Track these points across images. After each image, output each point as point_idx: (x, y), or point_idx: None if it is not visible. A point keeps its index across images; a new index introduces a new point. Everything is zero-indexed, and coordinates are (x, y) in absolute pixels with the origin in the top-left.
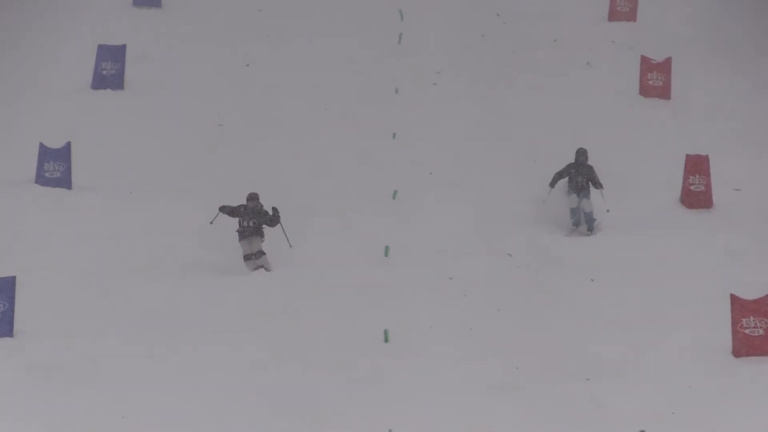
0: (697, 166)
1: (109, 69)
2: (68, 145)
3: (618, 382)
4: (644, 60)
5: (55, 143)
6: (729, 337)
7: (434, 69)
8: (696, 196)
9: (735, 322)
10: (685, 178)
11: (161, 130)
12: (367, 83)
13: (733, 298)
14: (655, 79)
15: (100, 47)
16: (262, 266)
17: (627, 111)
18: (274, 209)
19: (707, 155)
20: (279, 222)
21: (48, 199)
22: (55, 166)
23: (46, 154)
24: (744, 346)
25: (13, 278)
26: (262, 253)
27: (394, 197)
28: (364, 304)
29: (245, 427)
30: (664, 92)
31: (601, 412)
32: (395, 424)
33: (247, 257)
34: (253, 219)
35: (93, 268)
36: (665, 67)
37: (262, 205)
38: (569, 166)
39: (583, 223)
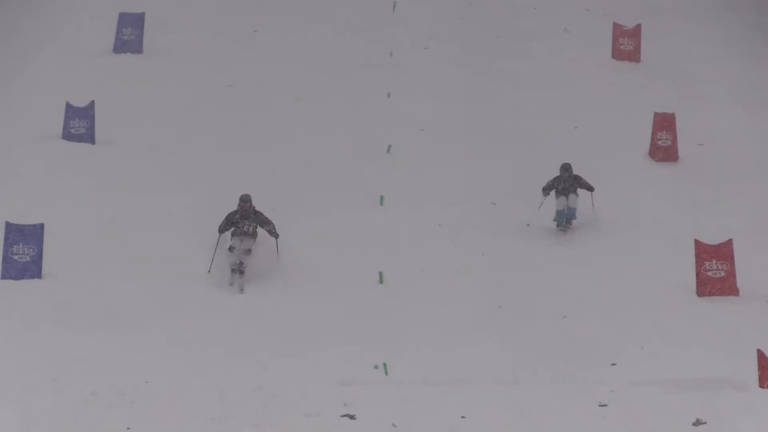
0: (664, 123)
1: (129, 35)
2: (92, 104)
3: (591, 320)
4: (616, 26)
5: (80, 102)
6: (693, 279)
7: (425, 35)
8: (663, 150)
9: (698, 265)
10: (654, 134)
11: (177, 91)
12: (363, 47)
13: (697, 243)
14: (626, 44)
15: (121, 15)
16: (242, 262)
17: (600, 72)
18: (270, 222)
19: (673, 113)
20: (277, 234)
21: (73, 154)
22: (79, 123)
23: (71, 111)
24: (706, 287)
25: (42, 225)
26: (249, 251)
27: (388, 151)
28: (360, 249)
29: (255, 351)
30: (634, 56)
31: (574, 347)
32: (389, 356)
33: (231, 248)
34: (252, 224)
35: (114, 217)
36: (635, 32)
37: (254, 207)
38: (555, 179)
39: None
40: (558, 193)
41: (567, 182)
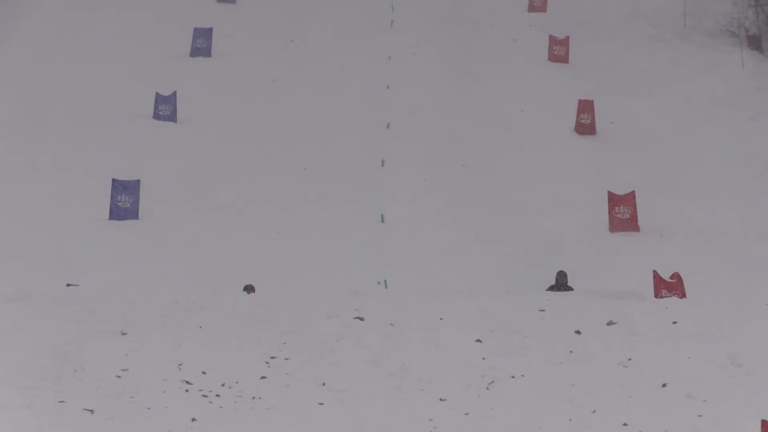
0: (586, 107)
1: (202, 43)
2: (174, 93)
3: (532, 252)
4: (551, 37)
5: (166, 92)
6: (606, 219)
7: (414, 43)
8: (585, 126)
9: (610, 209)
10: (578, 115)
11: (239, 82)
12: (367, 53)
13: (609, 194)
14: (559, 50)
15: (196, 29)
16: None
17: (539, 70)
18: None
19: (593, 100)
20: None
21: (160, 130)
22: (166, 107)
23: (160, 99)
24: (616, 225)
25: (138, 181)
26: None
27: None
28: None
29: (268, 274)
30: (564, 58)
31: (523, 269)
32: (387, 274)
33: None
34: None
35: (190, 175)
36: (565, 41)
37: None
38: (551, 288)
39: None
40: None
41: (561, 290)
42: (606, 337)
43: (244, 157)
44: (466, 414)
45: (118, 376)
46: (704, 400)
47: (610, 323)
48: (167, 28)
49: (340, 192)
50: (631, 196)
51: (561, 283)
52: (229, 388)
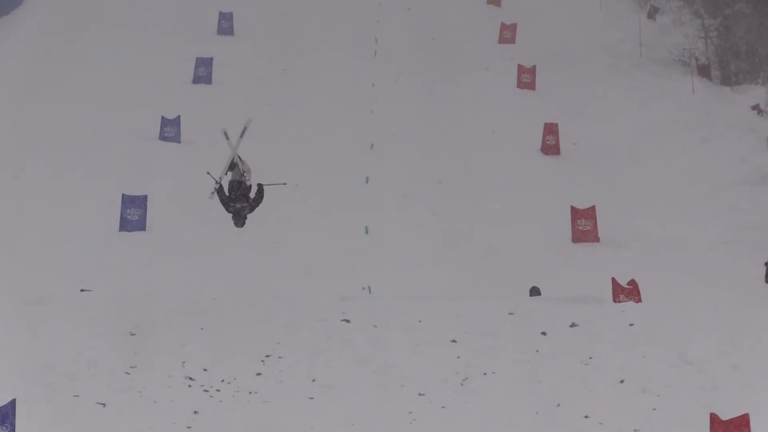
0: (551, 129)
1: (203, 71)
2: (178, 117)
3: (508, 259)
4: (519, 66)
5: (171, 115)
6: (569, 230)
7: (396, 72)
8: (550, 147)
9: (573, 222)
10: (544, 137)
11: (237, 107)
12: (353, 80)
13: (572, 208)
14: (526, 78)
15: (198, 58)
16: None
17: (508, 97)
18: (260, 188)
19: (557, 123)
20: (261, 200)
21: (166, 149)
22: (171, 129)
23: (165, 121)
24: (578, 236)
25: (145, 196)
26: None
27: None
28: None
29: (263, 281)
30: (531, 86)
31: (497, 276)
32: (372, 280)
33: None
34: (244, 201)
35: (193, 190)
36: (532, 70)
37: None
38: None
39: None
40: None
41: None
42: (569, 338)
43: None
44: (443, 407)
45: (128, 373)
46: (658, 395)
47: (572, 325)
48: (172, 57)
49: (329, 206)
50: (592, 210)
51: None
52: (228, 383)
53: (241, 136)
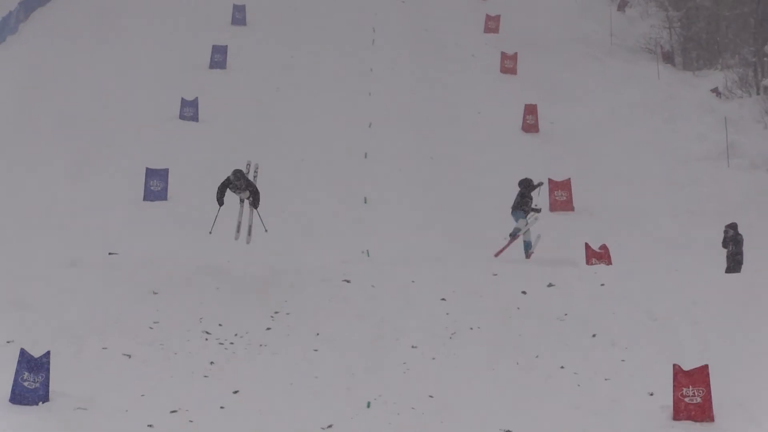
0: (531, 110)
1: (219, 57)
2: (196, 99)
3: (483, 228)
4: (502, 54)
5: (190, 97)
6: (548, 201)
7: (392, 58)
8: (530, 126)
9: (550, 193)
10: (524, 117)
11: (248, 90)
12: (353, 66)
13: (550, 180)
14: (509, 64)
15: (214, 46)
16: (249, 226)
17: (492, 81)
18: (256, 192)
19: (536, 104)
20: (258, 206)
21: (185, 128)
22: (189, 110)
23: (184, 102)
24: (555, 206)
25: (167, 169)
26: (249, 197)
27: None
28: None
29: (272, 246)
30: (513, 71)
31: (482, 240)
32: (370, 245)
33: (241, 200)
34: (246, 189)
35: (209, 164)
36: (514, 57)
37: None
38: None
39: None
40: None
41: (524, 193)
42: (547, 297)
43: (253, 150)
44: (433, 358)
45: (151, 328)
46: (626, 348)
47: (550, 285)
48: (190, 45)
49: (331, 179)
50: (568, 182)
51: (523, 191)
52: (241, 337)
53: (251, 204)
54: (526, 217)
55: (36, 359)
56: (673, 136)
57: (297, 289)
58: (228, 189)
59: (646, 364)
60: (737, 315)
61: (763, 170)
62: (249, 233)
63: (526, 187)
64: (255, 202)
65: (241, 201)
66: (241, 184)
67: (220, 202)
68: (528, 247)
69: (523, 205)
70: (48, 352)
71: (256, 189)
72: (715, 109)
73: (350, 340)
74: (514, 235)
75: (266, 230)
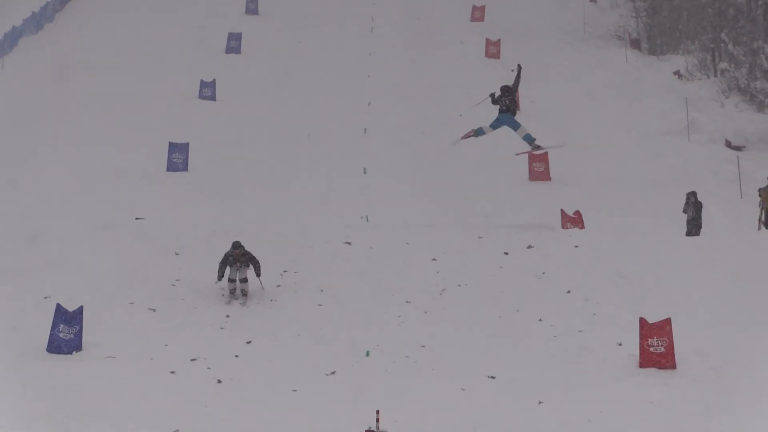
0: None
1: (234, 43)
2: (214, 81)
3: (469, 195)
4: (487, 40)
5: (208, 78)
6: (527, 171)
7: (388, 44)
8: (515, 103)
9: (530, 164)
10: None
11: (260, 72)
12: (353, 51)
13: (529, 153)
14: (493, 49)
15: (230, 33)
16: (242, 289)
17: (478, 65)
18: (257, 262)
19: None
20: (260, 273)
21: (205, 106)
22: (207, 90)
23: (203, 84)
24: (534, 176)
25: (187, 143)
26: (245, 280)
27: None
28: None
29: (282, 211)
30: (497, 56)
31: (471, 208)
32: (369, 211)
33: (231, 281)
34: (244, 264)
35: (223, 144)
36: (498, 43)
37: (243, 249)
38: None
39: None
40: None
41: (506, 94)
42: (526, 257)
43: (265, 126)
44: (425, 312)
45: (173, 285)
46: (597, 303)
47: (529, 247)
48: (208, 32)
49: (334, 151)
50: (545, 155)
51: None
52: (254, 293)
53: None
54: (514, 117)
55: (70, 313)
56: (640, 114)
57: (303, 250)
58: (227, 265)
59: (615, 318)
60: (697, 273)
61: (720, 144)
62: (244, 294)
63: (508, 91)
64: (257, 271)
65: (233, 292)
66: (239, 254)
67: (220, 278)
68: (530, 139)
69: (511, 106)
70: (81, 307)
71: (256, 259)
72: (677, 89)
73: (351, 295)
74: (479, 133)
75: (263, 288)
